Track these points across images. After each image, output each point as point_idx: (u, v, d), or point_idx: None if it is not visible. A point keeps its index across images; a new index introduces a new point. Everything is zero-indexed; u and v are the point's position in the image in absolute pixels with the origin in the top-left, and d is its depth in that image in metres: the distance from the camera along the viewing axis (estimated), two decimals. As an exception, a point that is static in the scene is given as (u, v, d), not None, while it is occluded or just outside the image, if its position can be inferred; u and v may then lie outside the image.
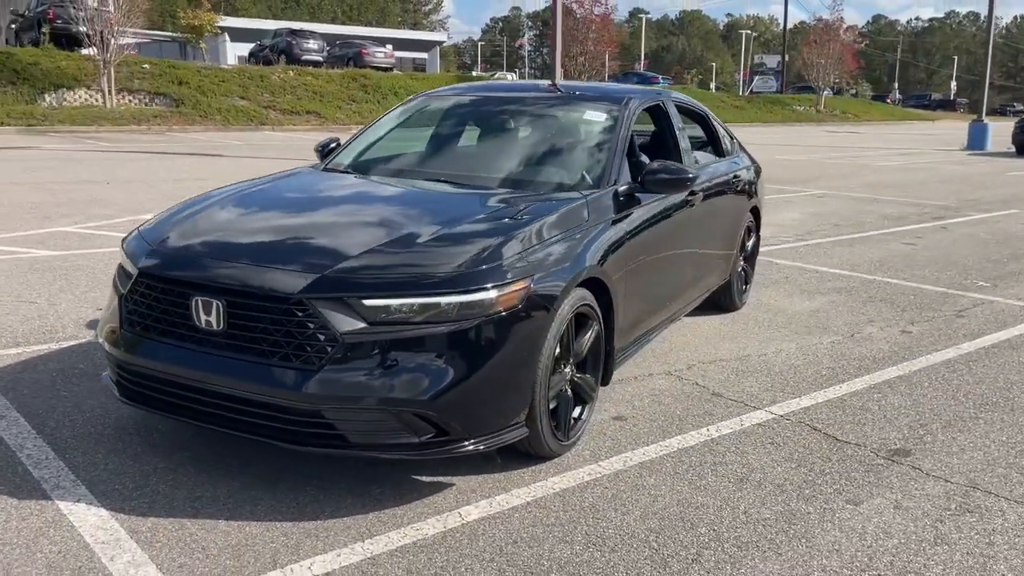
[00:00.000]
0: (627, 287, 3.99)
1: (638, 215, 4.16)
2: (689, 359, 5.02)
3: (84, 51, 27.37)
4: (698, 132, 6.00)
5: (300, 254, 3.23)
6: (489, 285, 3.06)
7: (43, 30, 28.71)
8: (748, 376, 4.76)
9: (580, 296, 3.53)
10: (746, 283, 6.34)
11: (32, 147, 17.63)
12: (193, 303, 3.11)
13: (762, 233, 6.88)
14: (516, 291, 3.13)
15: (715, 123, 5.97)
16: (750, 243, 6.31)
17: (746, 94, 60.11)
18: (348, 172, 4.61)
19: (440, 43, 67.33)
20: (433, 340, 2.98)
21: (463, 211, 3.76)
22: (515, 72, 71.25)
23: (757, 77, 73.89)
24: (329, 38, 42.07)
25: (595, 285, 3.67)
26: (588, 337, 3.68)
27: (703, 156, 5.69)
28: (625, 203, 4.09)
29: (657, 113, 5.07)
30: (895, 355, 5.22)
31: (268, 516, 3.01)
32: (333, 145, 5.03)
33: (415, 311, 2.97)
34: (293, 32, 37.88)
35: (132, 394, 3.38)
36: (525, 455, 3.49)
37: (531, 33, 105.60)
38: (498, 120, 4.91)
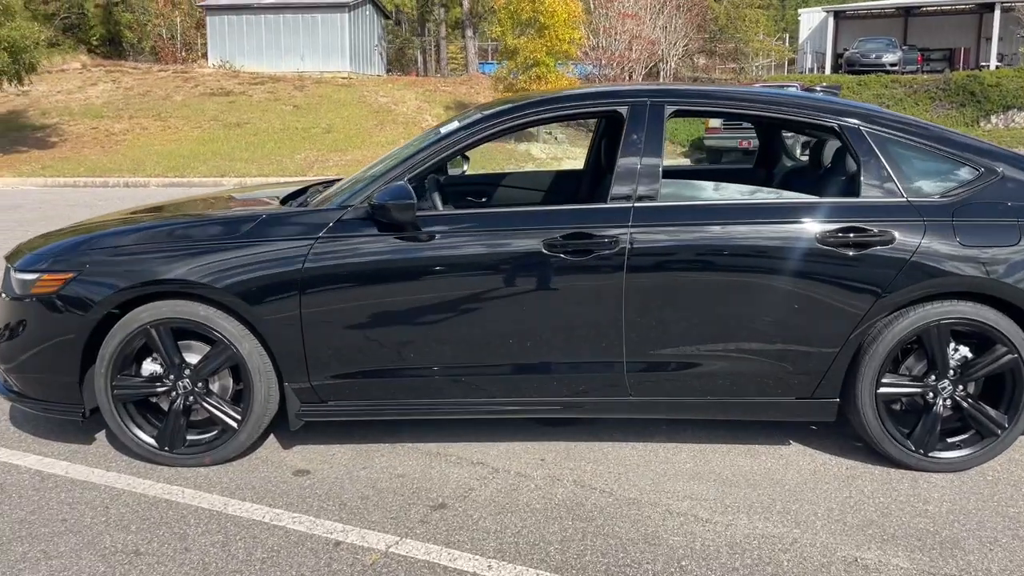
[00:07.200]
0: (325, 319, 3.53)
1: (381, 244, 3.52)
2: (584, 474, 3.73)
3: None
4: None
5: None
6: (31, 269, 3.65)
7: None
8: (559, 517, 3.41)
9: (181, 309, 3.52)
10: (960, 431, 3.63)
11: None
12: None
13: None
14: (48, 280, 3.58)
15: (857, 140, 3.64)
16: (982, 368, 3.54)
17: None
18: None
19: None
20: (9, 310, 3.71)
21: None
22: None
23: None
24: None
25: (224, 305, 3.53)
26: (216, 359, 3.57)
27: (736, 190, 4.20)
28: (353, 228, 3.53)
29: (616, 128, 3.87)
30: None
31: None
32: None
33: (16, 282, 3.69)
34: None
35: None
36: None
37: None
38: None
